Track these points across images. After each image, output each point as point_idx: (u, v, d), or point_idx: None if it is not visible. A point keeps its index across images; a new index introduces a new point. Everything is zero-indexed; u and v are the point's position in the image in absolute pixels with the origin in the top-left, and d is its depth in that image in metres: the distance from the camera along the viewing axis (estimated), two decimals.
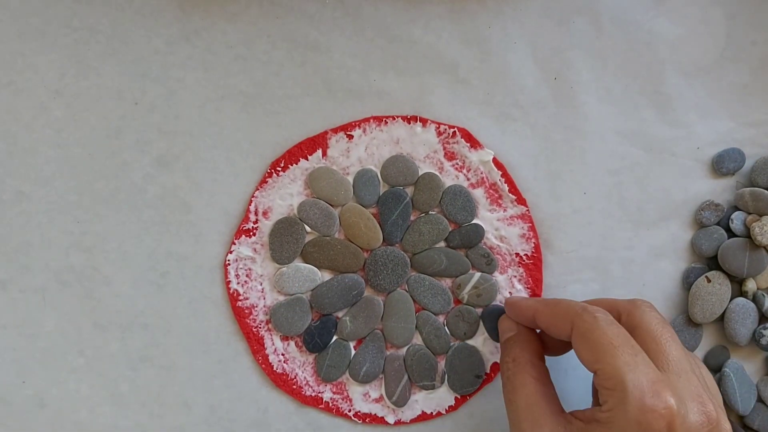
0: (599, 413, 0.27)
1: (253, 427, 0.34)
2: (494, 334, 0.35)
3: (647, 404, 0.25)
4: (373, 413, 0.34)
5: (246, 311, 0.34)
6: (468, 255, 0.35)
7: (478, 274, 0.35)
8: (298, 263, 0.34)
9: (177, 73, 0.34)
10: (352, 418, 0.34)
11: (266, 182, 0.34)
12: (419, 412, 0.34)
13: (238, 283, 0.34)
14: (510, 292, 0.35)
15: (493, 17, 0.36)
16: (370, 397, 0.34)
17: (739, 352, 0.36)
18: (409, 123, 0.35)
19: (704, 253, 0.36)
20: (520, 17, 0.36)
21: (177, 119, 0.34)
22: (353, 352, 0.34)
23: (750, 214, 0.36)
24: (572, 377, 0.35)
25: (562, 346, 0.32)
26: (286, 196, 0.34)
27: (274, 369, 0.34)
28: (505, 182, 0.35)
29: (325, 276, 0.34)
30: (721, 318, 0.36)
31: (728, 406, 0.35)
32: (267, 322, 0.34)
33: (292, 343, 0.34)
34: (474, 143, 0.35)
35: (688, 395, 0.26)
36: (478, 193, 0.35)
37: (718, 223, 0.36)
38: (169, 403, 0.34)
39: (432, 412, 0.35)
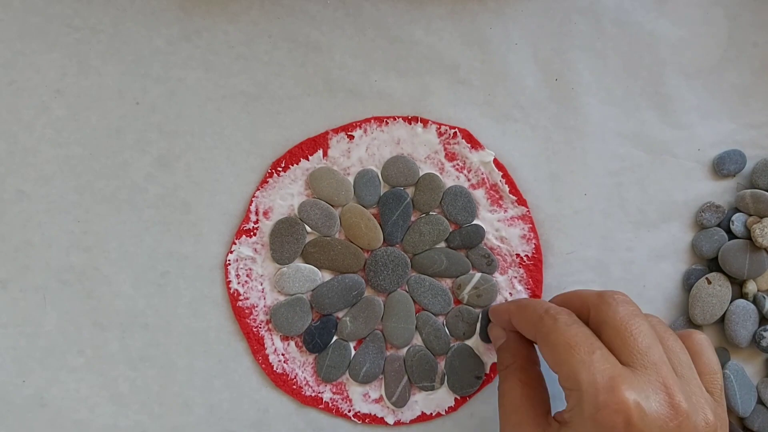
0: (564, 414, 0.27)
1: (253, 427, 0.34)
2: (486, 336, 0.35)
3: (600, 401, 0.25)
4: (372, 414, 0.34)
5: (246, 311, 0.34)
6: (468, 256, 0.35)
7: (478, 275, 0.35)
8: (299, 263, 0.34)
9: (178, 72, 0.34)
10: (352, 418, 0.34)
11: (267, 182, 0.34)
12: (419, 413, 0.34)
13: (239, 283, 0.34)
14: (510, 293, 0.35)
15: (494, 18, 0.36)
16: (369, 397, 0.34)
17: (739, 353, 0.36)
18: (410, 123, 0.35)
19: (705, 254, 0.36)
20: (521, 18, 0.36)
21: (178, 119, 0.34)
22: (353, 352, 0.34)
23: (751, 215, 0.36)
24: None
25: None
26: (287, 196, 0.34)
27: (274, 369, 0.34)
28: (505, 183, 0.35)
29: (326, 276, 0.34)
30: (722, 320, 0.36)
31: (728, 407, 0.35)
32: (267, 322, 0.34)
33: (293, 343, 0.34)
34: (475, 144, 0.35)
35: (652, 387, 0.26)
36: (479, 194, 0.35)
37: (718, 225, 0.36)
38: (169, 403, 0.34)
39: (432, 413, 0.35)
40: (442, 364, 0.35)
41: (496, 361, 0.35)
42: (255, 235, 0.34)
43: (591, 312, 0.29)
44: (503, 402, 0.30)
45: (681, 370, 0.28)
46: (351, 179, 0.34)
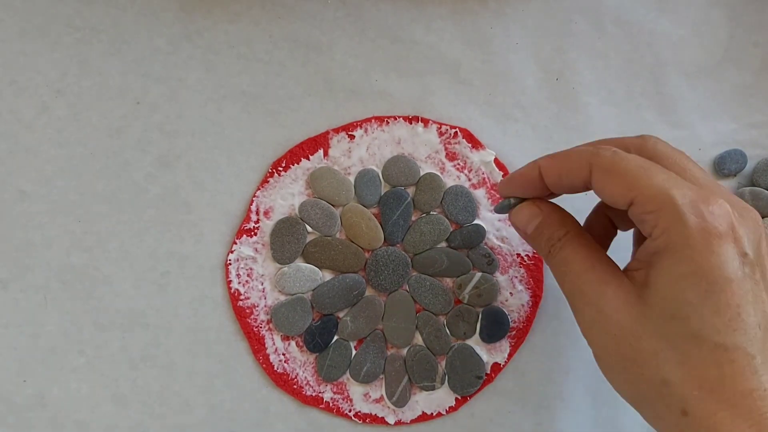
0: (653, 243, 0.25)
1: (254, 426, 0.34)
2: (487, 336, 0.34)
3: (703, 210, 0.24)
4: (373, 413, 0.34)
5: (247, 311, 0.34)
6: (469, 255, 0.35)
7: (479, 275, 0.35)
8: (299, 263, 0.34)
9: (179, 72, 0.34)
10: (353, 418, 0.34)
11: (267, 182, 0.34)
12: (419, 413, 0.34)
13: (239, 282, 0.34)
14: (511, 293, 0.35)
15: (495, 18, 0.36)
16: (370, 397, 0.34)
17: None
18: (411, 123, 0.35)
19: None
20: (522, 18, 0.36)
21: (178, 119, 0.34)
22: (354, 352, 0.34)
23: None
24: (572, 377, 0.35)
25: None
26: (288, 195, 0.34)
27: (275, 369, 0.34)
28: None
29: (326, 276, 0.34)
30: None
31: None
32: (268, 322, 0.34)
33: (293, 342, 0.34)
34: (475, 144, 0.35)
35: (730, 200, 0.25)
36: (480, 194, 0.35)
37: None
38: (170, 403, 0.34)
39: (432, 413, 0.35)
40: (442, 364, 0.35)
41: (496, 361, 0.35)
42: (256, 234, 0.34)
43: (632, 151, 0.27)
44: (570, 269, 0.27)
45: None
46: (352, 179, 0.34)
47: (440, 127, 0.35)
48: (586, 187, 0.27)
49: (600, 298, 0.26)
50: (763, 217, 0.35)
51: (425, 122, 0.35)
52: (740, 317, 0.23)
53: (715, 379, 0.23)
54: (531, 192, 0.29)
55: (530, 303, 0.35)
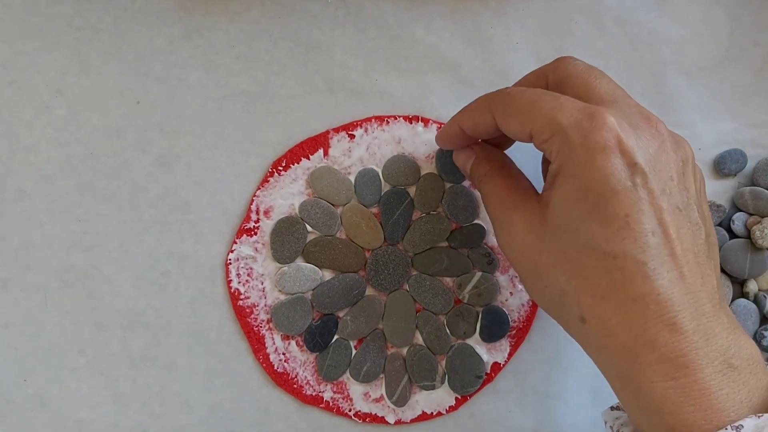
0: (552, 167, 0.26)
1: (254, 426, 0.34)
2: (487, 335, 0.35)
3: (586, 127, 0.25)
4: (373, 413, 0.34)
5: (247, 310, 0.34)
6: (469, 255, 0.35)
7: (479, 274, 0.35)
8: (300, 263, 0.34)
9: (179, 72, 0.34)
10: (353, 417, 0.34)
11: (268, 181, 0.34)
12: (420, 412, 0.35)
13: (239, 282, 0.34)
14: (511, 292, 0.35)
15: (496, 17, 0.36)
16: (370, 396, 0.34)
17: None
18: (411, 123, 0.35)
19: None
20: (523, 17, 0.36)
21: (178, 118, 0.34)
22: (354, 351, 0.34)
23: (750, 214, 0.36)
24: (572, 377, 0.35)
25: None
26: (288, 195, 0.34)
27: (275, 368, 0.34)
28: None
29: (326, 275, 0.34)
30: None
31: None
32: (268, 322, 0.34)
33: (293, 342, 0.34)
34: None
35: (625, 110, 0.26)
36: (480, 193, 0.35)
37: (719, 224, 0.36)
38: (170, 403, 0.34)
39: (432, 412, 0.35)
40: (442, 364, 0.35)
41: (496, 360, 0.35)
42: (256, 234, 0.34)
43: (549, 77, 0.29)
44: (490, 200, 0.29)
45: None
46: (352, 178, 0.34)
47: (440, 127, 0.35)
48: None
49: (510, 222, 0.28)
50: (763, 217, 0.35)
51: (425, 122, 0.35)
52: (629, 226, 0.24)
53: (606, 286, 0.24)
54: (464, 144, 0.31)
55: (530, 302, 0.35)
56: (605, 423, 0.29)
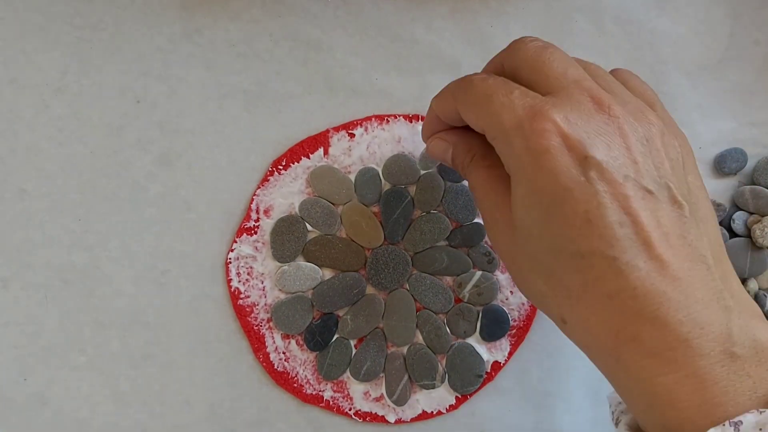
0: (506, 168, 0.25)
1: (254, 425, 0.34)
2: (488, 335, 0.35)
3: (527, 129, 0.23)
4: (373, 412, 0.34)
5: (247, 309, 0.34)
6: (469, 254, 0.35)
7: (479, 273, 0.35)
8: (300, 262, 0.34)
9: (179, 71, 0.34)
10: (353, 416, 0.34)
11: (268, 180, 0.34)
12: (420, 411, 0.35)
13: (240, 281, 0.34)
14: (511, 291, 0.35)
15: (496, 16, 0.36)
16: (370, 395, 0.34)
17: None
18: (411, 122, 0.35)
19: None
20: (523, 16, 0.36)
21: (179, 117, 0.34)
22: (354, 350, 0.34)
23: (751, 213, 0.36)
24: (572, 376, 0.35)
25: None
26: (288, 194, 0.34)
27: (275, 367, 0.34)
28: None
29: (327, 274, 0.34)
30: None
31: None
32: (268, 321, 0.34)
33: (293, 341, 0.34)
34: None
35: (576, 99, 0.24)
36: None
37: (719, 223, 0.36)
38: (170, 402, 0.34)
39: (432, 411, 0.35)
40: (442, 363, 0.35)
41: (497, 359, 0.35)
42: (256, 233, 0.34)
43: (504, 64, 0.27)
44: (476, 195, 0.28)
45: (609, 88, 0.26)
46: (352, 177, 0.34)
47: None
48: None
49: (493, 221, 0.27)
50: (763, 216, 0.35)
51: None
52: (591, 222, 0.22)
53: (579, 286, 0.23)
54: (444, 127, 0.30)
55: (530, 302, 0.35)
56: (609, 405, 0.27)
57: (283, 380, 0.34)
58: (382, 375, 0.34)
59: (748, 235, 0.35)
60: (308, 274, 0.34)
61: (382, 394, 0.34)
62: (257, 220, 0.34)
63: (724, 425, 0.21)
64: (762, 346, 0.22)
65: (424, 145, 0.35)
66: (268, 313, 0.34)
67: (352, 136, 0.34)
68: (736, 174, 0.37)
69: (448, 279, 0.35)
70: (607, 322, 0.23)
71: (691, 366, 0.21)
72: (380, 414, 0.34)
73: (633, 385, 0.23)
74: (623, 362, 0.23)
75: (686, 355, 0.21)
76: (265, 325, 0.34)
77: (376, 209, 0.35)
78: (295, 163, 0.34)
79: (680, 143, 0.26)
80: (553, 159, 0.23)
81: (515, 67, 0.26)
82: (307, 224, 0.34)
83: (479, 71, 0.36)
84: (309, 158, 0.34)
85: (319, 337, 0.34)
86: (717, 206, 0.36)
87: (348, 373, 0.34)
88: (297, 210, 0.34)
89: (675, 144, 0.25)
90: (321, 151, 0.34)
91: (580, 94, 0.24)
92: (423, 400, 0.34)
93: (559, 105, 0.24)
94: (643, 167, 0.23)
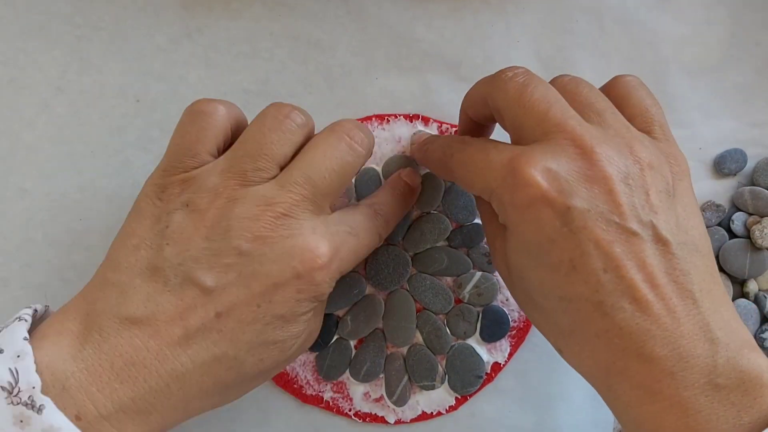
0: (500, 222, 0.26)
1: (254, 426, 0.34)
2: (487, 335, 0.34)
3: (510, 185, 0.24)
4: (373, 413, 0.34)
5: None
6: (469, 254, 0.35)
7: (479, 274, 0.35)
8: None
9: (179, 70, 0.34)
10: (353, 417, 0.34)
11: None
12: (420, 412, 0.34)
13: None
14: None
15: (496, 16, 0.36)
16: (370, 396, 0.34)
17: None
18: (411, 121, 0.35)
19: None
20: (523, 15, 0.36)
21: (179, 117, 0.34)
22: (354, 351, 0.34)
23: (750, 214, 0.36)
24: (573, 377, 0.35)
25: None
26: None
27: None
28: None
29: None
30: None
31: None
32: None
33: None
34: None
35: (558, 146, 0.24)
36: None
37: (719, 224, 0.36)
38: None
39: (432, 412, 0.35)
40: (442, 363, 0.35)
41: (496, 360, 0.35)
42: None
43: (489, 104, 0.27)
44: (481, 218, 0.30)
45: (599, 119, 0.26)
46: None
47: (441, 126, 0.35)
48: None
49: (493, 248, 0.28)
50: (762, 217, 0.35)
51: (426, 120, 0.35)
52: (576, 270, 0.23)
53: (568, 325, 0.24)
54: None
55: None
56: (613, 426, 0.29)
57: (283, 381, 0.34)
58: (381, 376, 0.34)
59: (748, 236, 0.35)
60: None
61: (382, 394, 0.34)
62: None
63: None
64: (748, 376, 0.23)
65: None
66: None
67: None
68: (735, 175, 0.37)
69: (448, 279, 0.35)
70: (597, 357, 0.24)
71: (675, 396, 0.22)
72: (380, 415, 0.34)
73: (623, 412, 0.24)
74: (614, 391, 0.24)
75: (671, 387, 0.22)
76: None
77: None
78: None
79: (673, 169, 0.26)
80: (536, 212, 0.24)
81: (498, 108, 0.27)
82: None
83: (479, 70, 0.36)
84: None
85: (318, 337, 0.34)
86: (716, 207, 0.36)
87: (348, 373, 0.34)
88: None
89: (664, 173, 0.25)
90: None
91: (563, 139, 0.24)
92: (423, 400, 0.34)
93: (538, 155, 0.24)
94: (626, 209, 0.23)
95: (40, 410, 0.22)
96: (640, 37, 0.36)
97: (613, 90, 0.28)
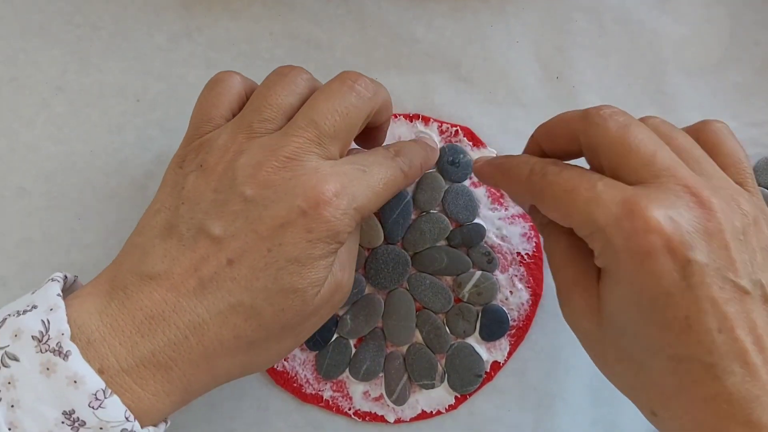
0: (598, 262, 0.24)
1: (254, 425, 0.34)
2: (486, 335, 0.35)
3: (626, 229, 0.22)
4: (373, 411, 0.34)
5: None
6: (469, 254, 0.35)
7: (478, 273, 0.35)
8: None
9: (179, 69, 0.34)
10: (352, 416, 0.34)
11: None
12: (419, 411, 0.34)
13: None
14: (511, 291, 0.35)
15: (496, 15, 0.36)
16: (370, 395, 0.34)
17: None
18: (411, 121, 0.35)
19: None
20: (523, 16, 0.36)
21: (179, 116, 0.34)
22: (353, 350, 0.34)
23: None
24: (572, 376, 0.35)
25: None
26: None
27: (275, 367, 0.34)
28: None
29: None
30: None
31: None
32: None
33: None
34: (476, 142, 0.35)
35: (674, 194, 0.23)
36: (480, 192, 0.35)
37: None
38: None
39: (432, 411, 0.35)
40: (442, 362, 0.35)
41: (496, 359, 0.35)
42: None
43: (581, 139, 0.26)
44: (552, 261, 0.27)
45: (699, 168, 0.25)
46: None
47: (441, 125, 0.35)
48: None
49: (569, 297, 0.26)
50: None
51: (426, 120, 0.35)
52: (691, 328, 0.22)
53: (674, 387, 0.23)
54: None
55: (530, 301, 0.35)
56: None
57: (283, 380, 0.34)
58: (381, 375, 0.34)
59: None
60: None
61: (382, 393, 0.34)
62: None
63: None
64: None
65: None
66: None
67: None
68: None
69: (448, 279, 0.35)
70: (701, 422, 0.23)
71: None
72: (379, 414, 0.34)
73: None
74: None
75: None
76: None
77: None
78: None
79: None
80: (656, 262, 0.22)
81: (595, 145, 0.25)
82: None
83: (478, 70, 0.36)
84: None
85: (318, 336, 0.34)
86: None
87: (347, 372, 0.34)
88: None
89: (764, 230, 0.24)
90: None
91: (675, 185, 0.23)
92: (422, 399, 0.34)
93: (656, 200, 0.23)
94: (740, 265, 0.23)
95: (66, 356, 0.22)
96: (639, 37, 0.36)
97: (702, 136, 0.27)
